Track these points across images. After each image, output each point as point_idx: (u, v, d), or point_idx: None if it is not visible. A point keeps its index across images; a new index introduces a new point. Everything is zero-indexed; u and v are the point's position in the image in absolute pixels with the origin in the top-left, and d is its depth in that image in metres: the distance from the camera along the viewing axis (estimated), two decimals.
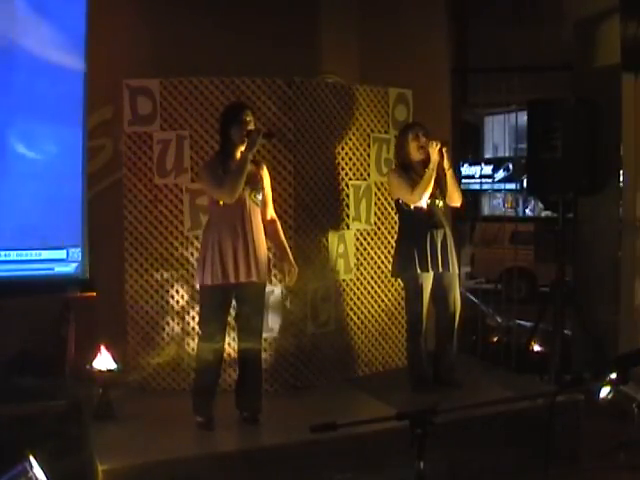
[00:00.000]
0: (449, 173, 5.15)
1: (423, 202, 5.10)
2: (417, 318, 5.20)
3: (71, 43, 5.05)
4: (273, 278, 4.92)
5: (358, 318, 5.67)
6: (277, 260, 4.79)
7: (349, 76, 6.12)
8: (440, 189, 5.20)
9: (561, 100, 5.99)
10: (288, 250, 4.65)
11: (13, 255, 4.96)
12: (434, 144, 5.06)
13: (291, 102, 5.24)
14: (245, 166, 4.37)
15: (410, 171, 5.16)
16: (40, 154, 5.00)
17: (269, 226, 4.61)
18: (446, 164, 5.13)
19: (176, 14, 5.69)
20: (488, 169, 21.05)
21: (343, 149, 5.56)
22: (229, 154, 4.47)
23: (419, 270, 5.10)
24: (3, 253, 4.93)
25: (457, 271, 5.36)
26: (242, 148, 4.43)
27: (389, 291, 5.81)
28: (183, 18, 5.69)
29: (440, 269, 5.14)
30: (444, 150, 5.08)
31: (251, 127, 4.44)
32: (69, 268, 5.10)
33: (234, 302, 4.59)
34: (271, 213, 4.66)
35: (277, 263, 4.81)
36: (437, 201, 5.18)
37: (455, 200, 5.27)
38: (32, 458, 2.99)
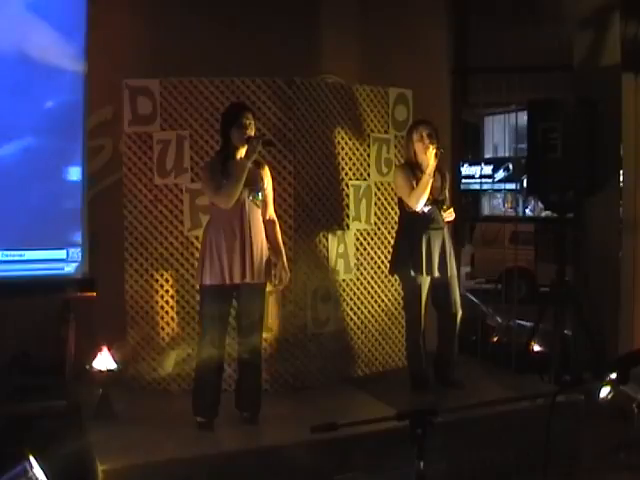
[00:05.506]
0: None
1: (422, 207, 5.05)
2: (415, 318, 5.19)
3: (71, 43, 5.05)
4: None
5: (358, 318, 5.67)
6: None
7: (349, 76, 6.11)
8: (442, 193, 5.19)
9: (561, 100, 5.99)
10: (283, 254, 4.61)
11: (13, 255, 4.96)
12: (430, 148, 5.02)
13: (291, 102, 5.24)
14: (243, 174, 4.36)
15: (416, 169, 5.11)
16: (40, 154, 5.00)
17: (267, 226, 4.58)
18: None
19: (176, 14, 5.68)
20: (488, 169, 21.08)
21: (343, 149, 5.56)
22: (229, 155, 4.47)
23: (413, 273, 5.09)
24: (3, 253, 4.93)
25: (455, 273, 5.34)
26: (242, 151, 4.43)
27: (389, 291, 5.81)
28: (183, 18, 5.69)
29: (436, 274, 5.11)
30: (437, 154, 5.02)
31: (251, 131, 4.43)
32: (69, 268, 5.09)
33: (234, 302, 4.59)
34: (270, 213, 4.64)
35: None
36: (439, 205, 5.15)
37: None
38: (32, 458, 2.99)
